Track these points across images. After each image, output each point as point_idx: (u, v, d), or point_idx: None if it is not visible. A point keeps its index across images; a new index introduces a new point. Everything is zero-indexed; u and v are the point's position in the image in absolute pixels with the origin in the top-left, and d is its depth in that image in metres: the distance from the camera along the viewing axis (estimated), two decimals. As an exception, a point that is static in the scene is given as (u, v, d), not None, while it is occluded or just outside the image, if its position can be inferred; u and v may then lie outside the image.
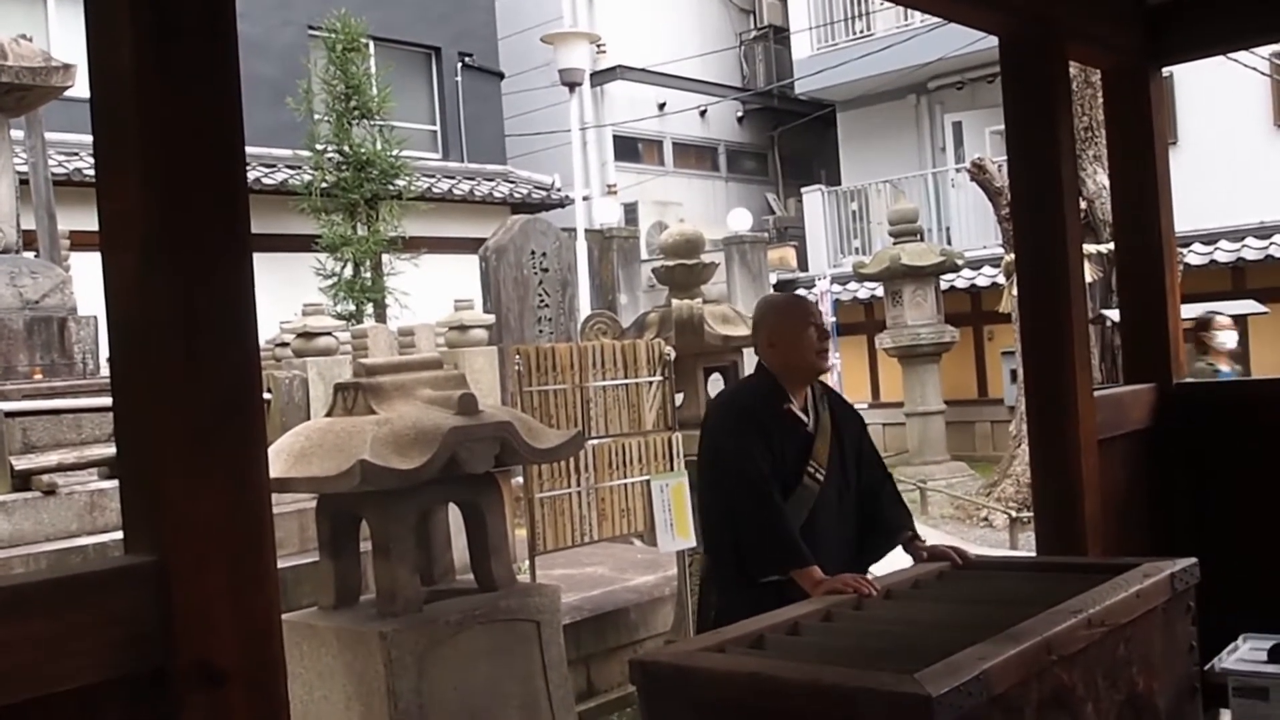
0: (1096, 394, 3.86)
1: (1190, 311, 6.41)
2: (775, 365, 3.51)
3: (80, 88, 6.44)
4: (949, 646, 2.12)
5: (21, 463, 5.94)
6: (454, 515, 4.28)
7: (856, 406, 3.88)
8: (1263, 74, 12.35)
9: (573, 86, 15.63)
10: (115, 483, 5.97)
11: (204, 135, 1.69)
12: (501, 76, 19.30)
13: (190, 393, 1.64)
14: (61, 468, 6.07)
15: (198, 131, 1.68)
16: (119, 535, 1.70)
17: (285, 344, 9.48)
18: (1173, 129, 13.92)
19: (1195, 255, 13.12)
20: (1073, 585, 2.56)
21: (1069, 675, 2.29)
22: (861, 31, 19.50)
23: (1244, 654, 3.34)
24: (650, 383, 5.77)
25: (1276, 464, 4.11)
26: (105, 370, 7.67)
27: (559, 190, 17.45)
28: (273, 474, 3.21)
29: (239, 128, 1.73)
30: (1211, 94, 14.20)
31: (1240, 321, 11.04)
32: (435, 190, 15.58)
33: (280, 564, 1.85)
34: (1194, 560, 2.80)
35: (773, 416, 3.40)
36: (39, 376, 7.14)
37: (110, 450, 6.11)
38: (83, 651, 1.56)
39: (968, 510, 11.63)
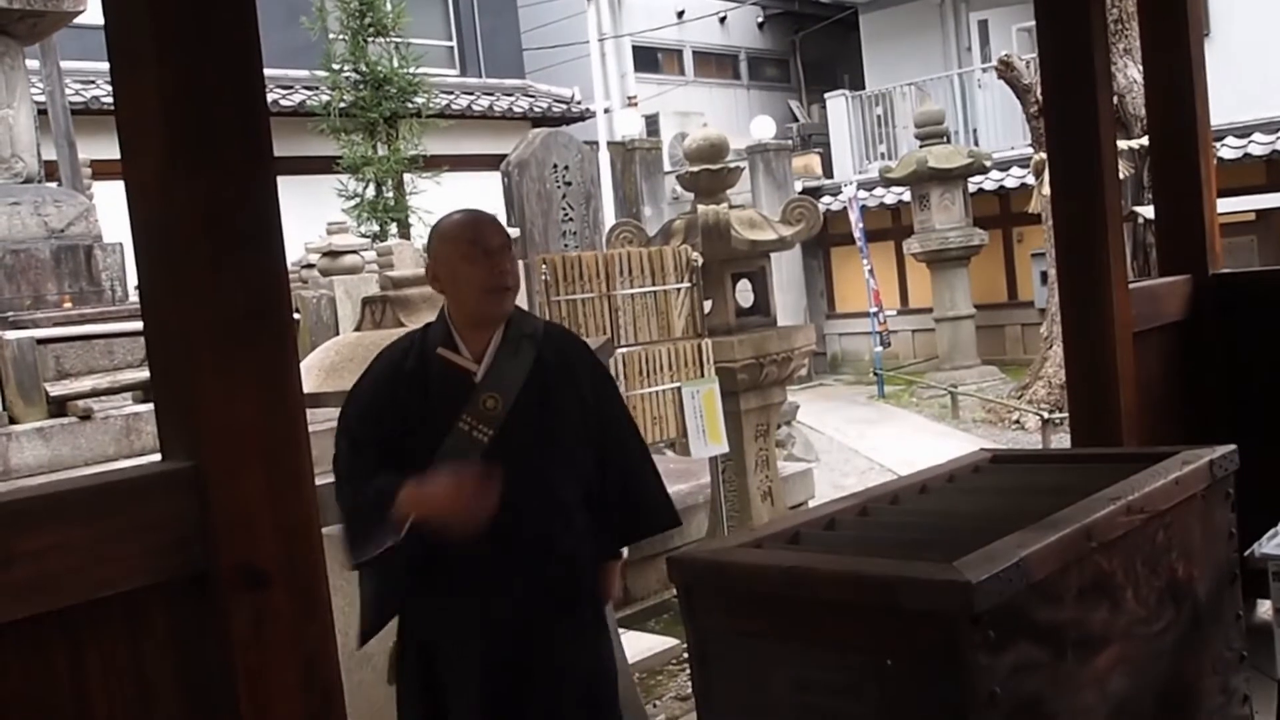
0: (1131, 287, 3.81)
1: (1225, 206, 6.28)
2: (446, 303, 2.84)
3: (92, 13, 6.38)
4: (987, 536, 2.11)
5: (56, 389, 5.99)
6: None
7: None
8: (1299, -42, 12.00)
9: (590, -5, 15.39)
10: (150, 406, 6.02)
11: (220, 44, 1.67)
12: (517, -12, 19.01)
13: (218, 296, 1.64)
14: (96, 393, 6.11)
15: (213, 39, 1.66)
16: (156, 458, 1.70)
17: (311, 265, 9.49)
18: (1205, 20, 13.55)
19: (1229, 149, 12.87)
20: (1111, 475, 2.54)
21: (1108, 562, 2.28)
22: (883, -71, 19.08)
23: (1284, 540, 3.32)
24: (678, 289, 5.74)
25: (1315, 352, 4.07)
26: (134, 297, 7.69)
27: (579, 103, 17.24)
28: (305, 390, 3.21)
29: (255, 36, 1.71)
30: (1245, -18, 13.81)
31: (1276, 215, 10.87)
32: (454, 107, 15.42)
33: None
34: (1233, 447, 2.76)
35: (420, 364, 2.76)
36: (68, 304, 7.17)
37: (143, 374, 6.15)
38: (125, 556, 1.58)
39: (999, 414, 11.62)
